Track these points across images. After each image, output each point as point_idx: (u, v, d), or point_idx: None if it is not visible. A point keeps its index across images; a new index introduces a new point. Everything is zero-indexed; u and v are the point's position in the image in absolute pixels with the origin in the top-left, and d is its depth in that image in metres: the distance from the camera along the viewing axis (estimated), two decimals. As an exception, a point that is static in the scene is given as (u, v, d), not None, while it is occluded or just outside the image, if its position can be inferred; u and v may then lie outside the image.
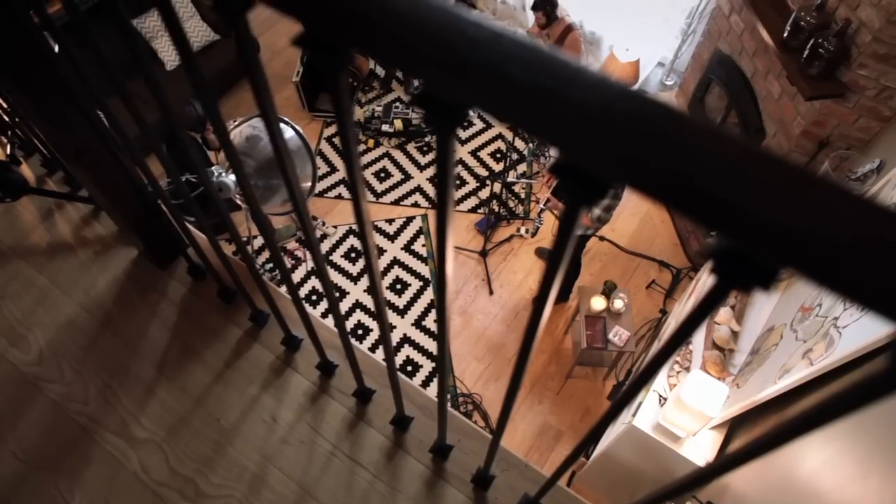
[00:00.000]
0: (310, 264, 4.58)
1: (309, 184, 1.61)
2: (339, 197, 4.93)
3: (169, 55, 5.17)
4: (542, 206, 3.68)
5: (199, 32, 5.28)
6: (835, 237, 0.31)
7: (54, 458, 1.37)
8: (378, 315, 0.94)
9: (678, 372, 2.98)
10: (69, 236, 1.66)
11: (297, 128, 1.53)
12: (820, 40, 3.11)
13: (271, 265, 4.39)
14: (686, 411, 2.63)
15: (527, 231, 4.69)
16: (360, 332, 4.33)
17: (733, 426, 2.81)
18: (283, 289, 1.50)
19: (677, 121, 0.34)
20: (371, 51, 0.40)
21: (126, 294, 1.57)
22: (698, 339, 3.02)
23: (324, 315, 4.39)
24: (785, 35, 3.34)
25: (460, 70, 0.37)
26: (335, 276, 4.57)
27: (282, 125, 1.53)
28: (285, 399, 1.44)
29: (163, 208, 1.46)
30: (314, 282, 4.53)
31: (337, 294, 4.49)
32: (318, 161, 5.12)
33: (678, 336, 0.46)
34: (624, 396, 0.56)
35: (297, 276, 4.53)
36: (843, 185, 0.33)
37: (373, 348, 4.25)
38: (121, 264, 1.62)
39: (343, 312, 4.40)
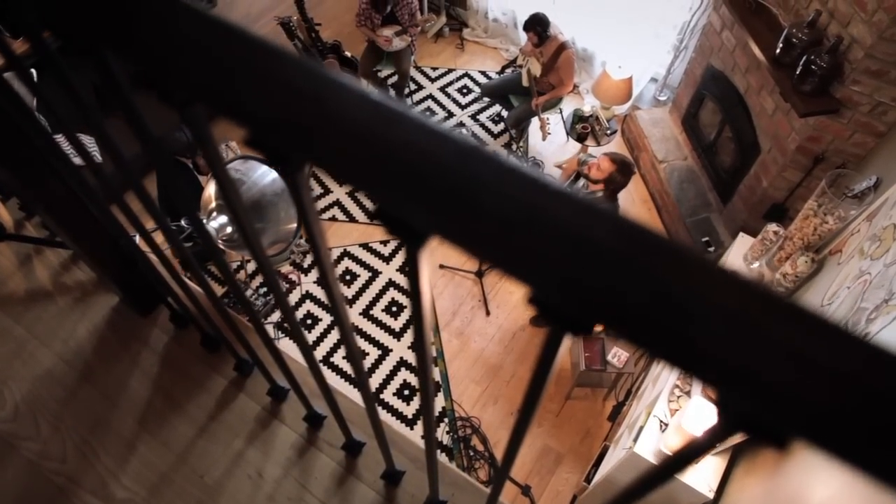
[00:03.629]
0: (304, 288, 4.53)
1: (294, 225, 1.56)
2: (334, 219, 4.89)
3: (159, 79, 5.14)
4: None
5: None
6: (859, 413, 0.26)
7: (30, 522, 1.32)
8: (357, 376, 0.90)
9: (679, 396, 2.93)
10: (48, 283, 1.61)
11: (281, 169, 1.48)
12: (812, 57, 3.09)
13: (265, 291, 4.34)
14: (688, 438, 2.58)
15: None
16: (355, 356, 4.26)
17: (736, 452, 2.75)
18: (270, 326, 1.45)
19: (676, 259, 0.30)
20: (319, 163, 0.36)
21: (106, 343, 1.52)
22: (698, 362, 2.97)
23: (316, 344, 4.34)
24: (777, 52, 3.33)
25: (419, 194, 0.33)
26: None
27: (265, 167, 1.49)
28: (272, 453, 1.38)
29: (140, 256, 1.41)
30: (309, 305, 4.47)
31: (332, 318, 4.42)
32: (311, 182, 5.08)
33: (674, 466, 0.41)
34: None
35: (292, 299, 4.47)
36: (862, 339, 0.28)
37: (369, 371, 4.19)
38: (101, 311, 1.57)
39: (336, 339, 4.34)
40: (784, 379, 0.27)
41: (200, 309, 1.26)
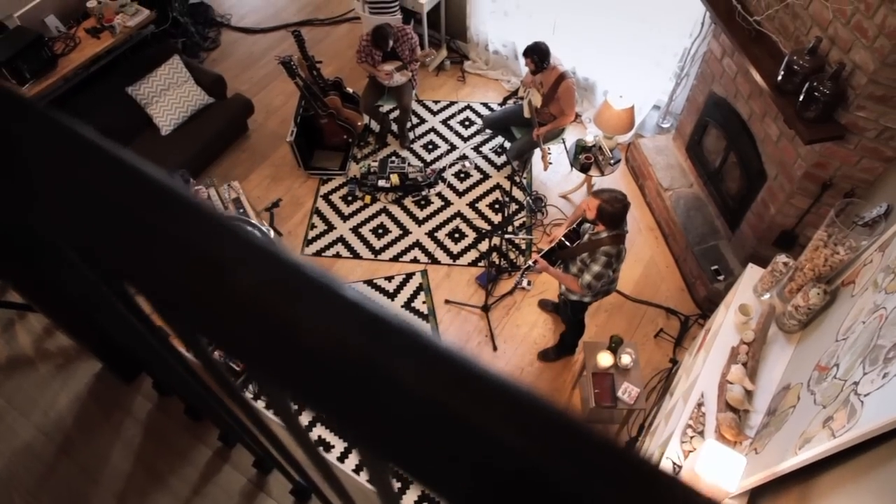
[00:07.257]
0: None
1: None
2: (338, 255, 4.86)
3: (164, 120, 5.18)
4: (526, 270, 3.60)
5: (193, 96, 5.31)
6: None
7: None
8: (307, 455, 0.83)
9: (692, 437, 2.82)
10: (30, 350, 1.57)
11: (263, 228, 1.45)
12: (815, 83, 3.04)
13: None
14: (702, 485, 2.47)
15: (521, 284, 4.58)
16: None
17: (754, 495, 2.64)
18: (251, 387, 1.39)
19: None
20: (218, 347, 0.31)
21: (88, 413, 1.47)
22: (711, 401, 2.87)
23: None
24: (779, 78, 3.28)
25: (318, 394, 0.28)
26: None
27: (249, 227, 1.45)
28: (256, 529, 1.32)
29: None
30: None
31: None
32: (315, 219, 5.06)
33: None
34: None
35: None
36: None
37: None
38: (83, 379, 1.52)
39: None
40: None
41: (177, 381, 1.21)
